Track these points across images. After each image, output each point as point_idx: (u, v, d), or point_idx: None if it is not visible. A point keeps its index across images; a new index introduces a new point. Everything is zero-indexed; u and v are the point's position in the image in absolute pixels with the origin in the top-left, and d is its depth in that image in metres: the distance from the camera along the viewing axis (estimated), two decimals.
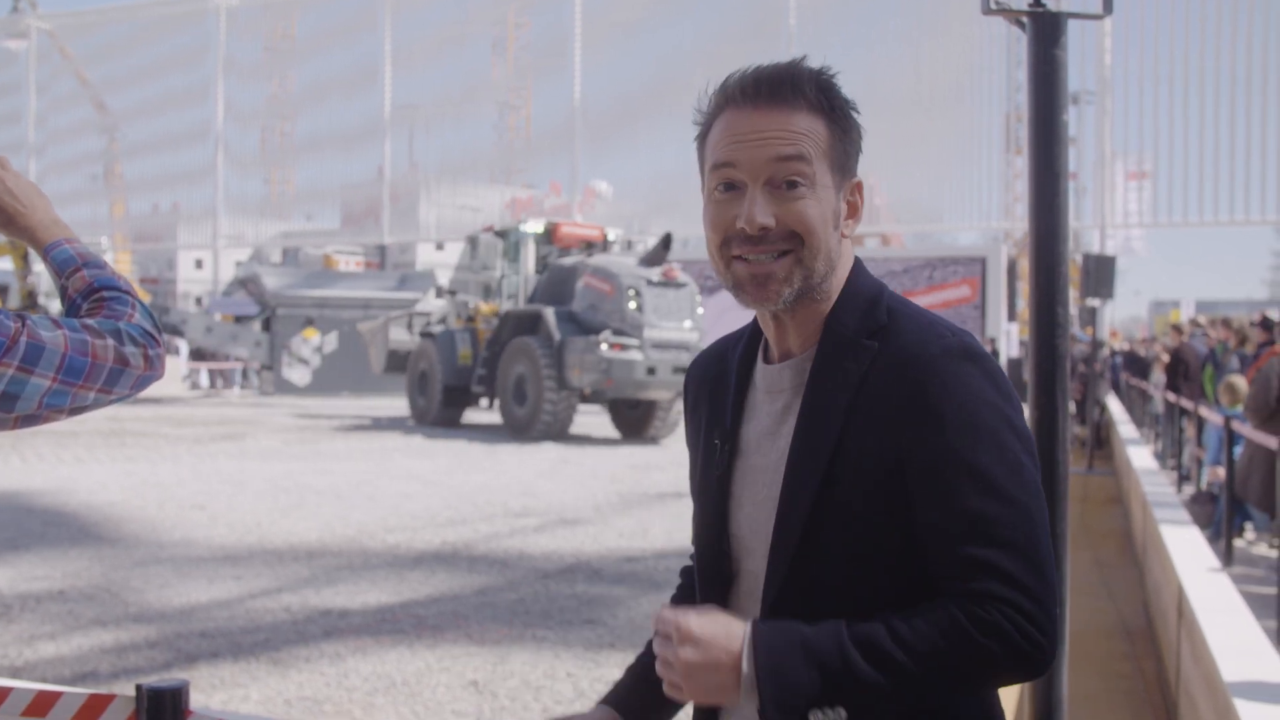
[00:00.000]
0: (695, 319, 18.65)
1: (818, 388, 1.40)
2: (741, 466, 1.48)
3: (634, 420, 19.40)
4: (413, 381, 21.80)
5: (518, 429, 18.72)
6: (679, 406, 17.83)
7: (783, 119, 1.38)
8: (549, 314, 18.70)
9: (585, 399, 18.87)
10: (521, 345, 18.77)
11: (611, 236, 21.28)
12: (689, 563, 1.73)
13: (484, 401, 21.06)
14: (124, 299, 1.70)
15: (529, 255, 20.72)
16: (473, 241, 21.88)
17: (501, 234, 21.37)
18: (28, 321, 1.52)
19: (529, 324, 19.31)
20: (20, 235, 1.74)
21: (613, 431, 20.04)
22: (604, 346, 17.55)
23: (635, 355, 17.63)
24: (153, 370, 1.65)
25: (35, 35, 41.68)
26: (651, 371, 17.67)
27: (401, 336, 23.39)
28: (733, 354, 1.56)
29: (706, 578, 1.50)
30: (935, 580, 1.32)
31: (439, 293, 30.95)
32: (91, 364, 1.56)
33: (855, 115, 1.44)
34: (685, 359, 17.14)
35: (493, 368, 19.67)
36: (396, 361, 23.33)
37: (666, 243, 18.79)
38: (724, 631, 1.29)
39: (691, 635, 1.28)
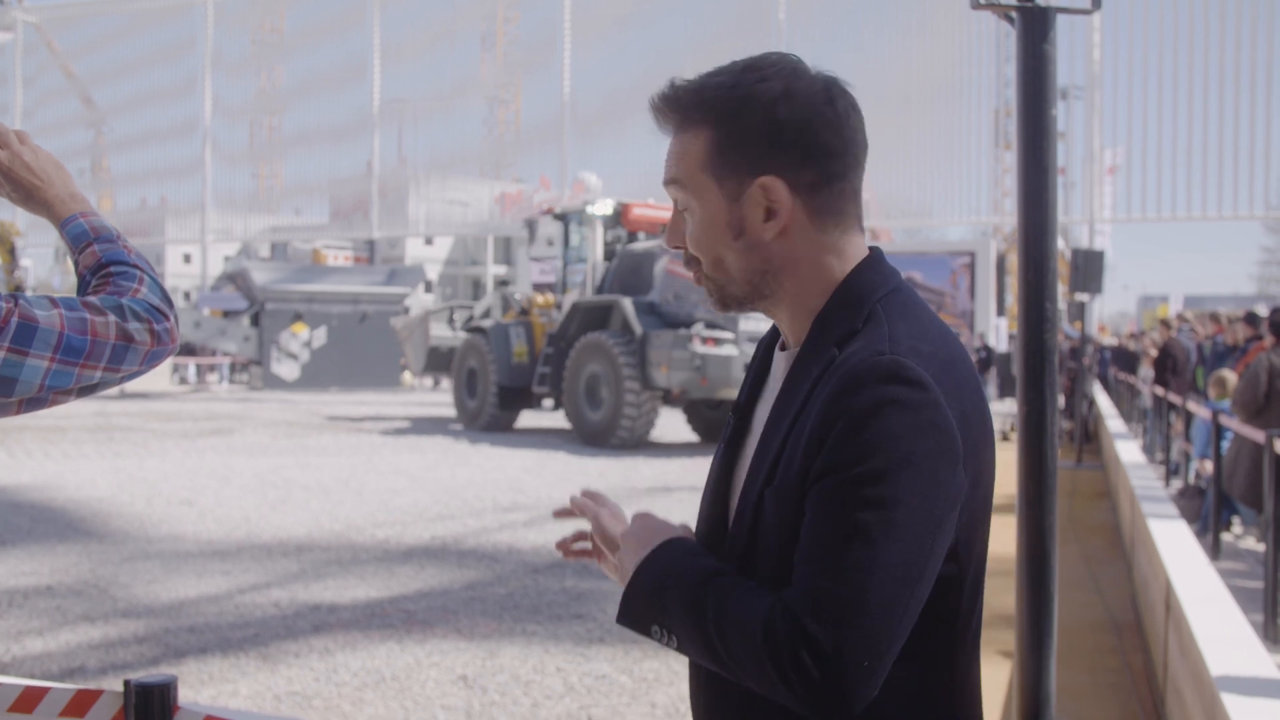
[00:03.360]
0: None
1: (787, 388, 1.39)
2: (746, 445, 1.48)
3: (715, 421, 17.62)
4: (460, 382, 19.59)
5: (591, 436, 16.76)
6: None
7: (671, 145, 1.46)
8: (627, 305, 16.77)
9: (670, 401, 16.95)
10: (595, 341, 16.78)
11: None
12: None
13: (547, 403, 19.07)
14: (131, 273, 1.67)
15: (597, 240, 18.45)
16: (530, 226, 20.06)
17: (562, 217, 19.26)
18: (20, 301, 1.49)
19: (600, 317, 17.59)
20: (38, 210, 1.73)
21: (689, 435, 18.45)
22: (697, 341, 15.69)
23: (731, 350, 15.76)
24: (162, 345, 1.63)
25: (21, 28, 41.45)
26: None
27: (443, 332, 21.56)
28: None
29: (705, 545, 1.50)
30: None
31: (428, 287, 30.43)
32: (92, 342, 1.54)
33: (767, 102, 1.35)
34: None
35: (558, 366, 17.76)
36: (438, 360, 21.57)
37: None
38: (648, 535, 1.43)
39: (618, 537, 1.47)
